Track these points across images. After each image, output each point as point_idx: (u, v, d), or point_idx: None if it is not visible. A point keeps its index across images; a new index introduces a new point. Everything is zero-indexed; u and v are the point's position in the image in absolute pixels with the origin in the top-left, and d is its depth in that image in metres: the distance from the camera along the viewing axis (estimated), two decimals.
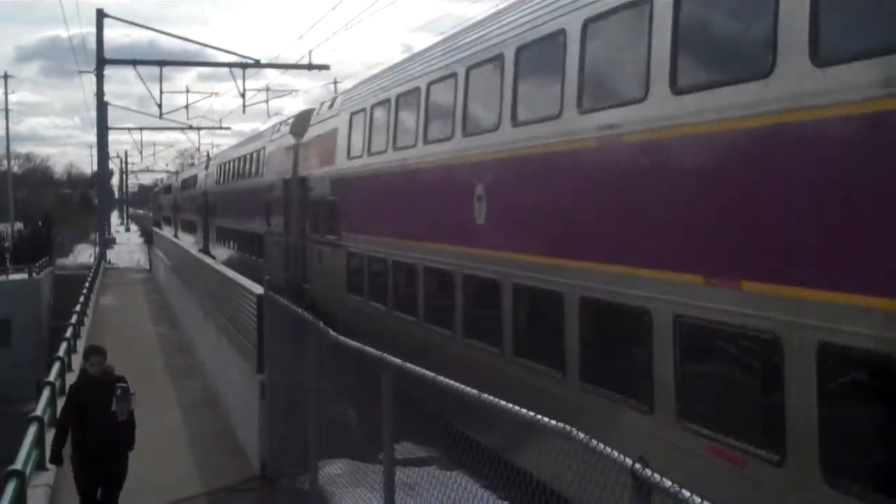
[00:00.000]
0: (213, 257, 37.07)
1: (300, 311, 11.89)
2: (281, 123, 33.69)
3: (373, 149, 19.46)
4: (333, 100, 25.32)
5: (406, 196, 17.48)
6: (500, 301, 13.06)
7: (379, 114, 19.32)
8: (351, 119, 21.51)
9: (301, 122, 28.69)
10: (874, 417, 7.11)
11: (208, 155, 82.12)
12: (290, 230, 28.34)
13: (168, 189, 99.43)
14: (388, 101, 18.57)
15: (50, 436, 12.31)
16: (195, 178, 64.31)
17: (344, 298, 21.50)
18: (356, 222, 20.98)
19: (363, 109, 20.47)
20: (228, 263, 29.93)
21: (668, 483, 4.31)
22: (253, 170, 37.06)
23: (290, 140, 29.12)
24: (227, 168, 46.02)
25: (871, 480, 6.98)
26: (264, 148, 34.81)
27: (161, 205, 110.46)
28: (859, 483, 6.98)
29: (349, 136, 21.52)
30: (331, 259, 22.96)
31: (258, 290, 14.59)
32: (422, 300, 16.35)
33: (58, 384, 16.27)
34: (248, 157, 38.67)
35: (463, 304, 14.54)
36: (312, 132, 26.26)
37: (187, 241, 53.47)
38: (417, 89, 16.77)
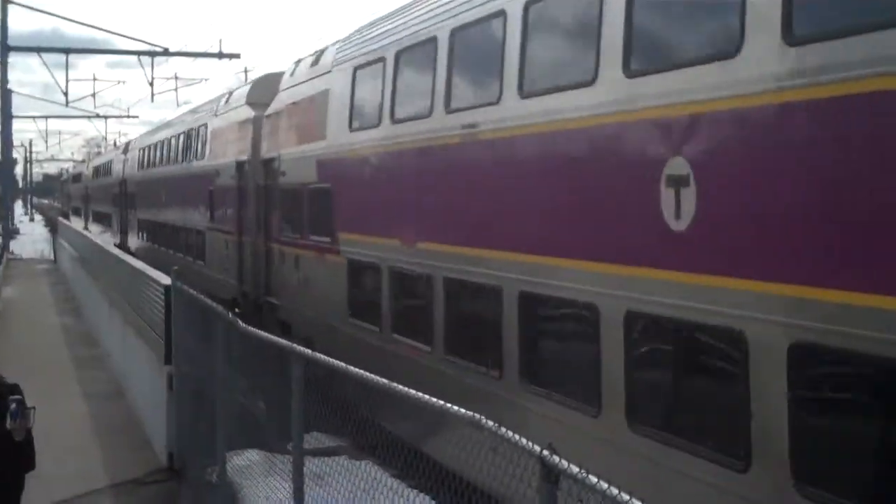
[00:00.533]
0: (133, 254, 31.52)
1: (208, 301, 11.76)
2: (229, 93, 27.83)
3: (401, 113, 13.83)
4: (319, 54, 18.82)
5: (477, 182, 11.77)
6: (746, 367, 7.40)
7: (412, 61, 13.70)
8: (355, 75, 15.69)
9: (263, 88, 23.08)
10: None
11: (114, 143, 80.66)
12: (245, 227, 22.65)
13: (77, 177, 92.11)
14: (431, 41, 12.84)
15: None
16: (110, 164, 58.57)
17: (342, 324, 15.81)
18: (366, 220, 15.13)
19: (380, 59, 14.60)
20: (154, 264, 21.68)
21: (576, 469, 4.35)
22: (188, 152, 31.18)
23: (247, 112, 23.32)
24: (152, 151, 39.67)
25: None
26: (206, 125, 28.66)
27: (70, 194, 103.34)
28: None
29: (352, 98, 15.76)
30: (317, 269, 17.28)
31: (165, 280, 14.39)
32: (515, 346, 10.66)
33: None
34: (183, 137, 32.52)
35: (627, 365, 8.87)
36: (283, 100, 20.18)
37: (101, 235, 47.97)
38: (501, 15, 11.05)
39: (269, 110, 21.19)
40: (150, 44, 48.81)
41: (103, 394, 18.79)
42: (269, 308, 20.40)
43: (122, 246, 41.54)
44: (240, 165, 23.34)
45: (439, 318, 12.44)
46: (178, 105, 54.61)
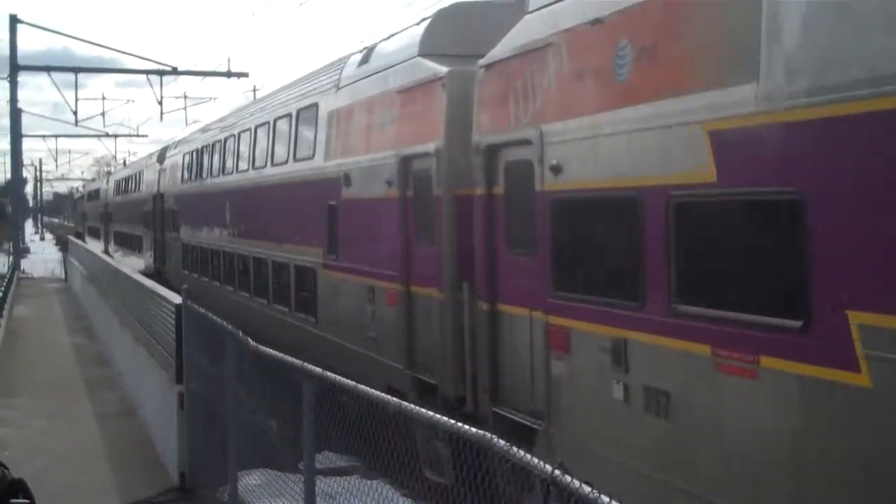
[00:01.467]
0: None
1: (220, 320, 11.74)
2: (365, 50, 16.90)
3: None
4: None
5: None
6: None
7: None
8: None
9: (455, 28, 13.79)
10: None
11: (124, 162, 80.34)
12: (419, 269, 13.36)
13: (94, 194, 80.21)
14: None
15: None
16: (139, 176, 46.94)
17: None
18: None
19: None
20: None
21: (588, 489, 4.35)
22: (279, 151, 21.20)
23: (426, 70, 13.37)
24: (207, 155, 29.39)
25: None
26: (316, 106, 18.47)
27: (85, 213, 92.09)
28: None
29: None
30: (721, 390, 7.24)
31: (176, 299, 14.40)
32: None
33: None
34: (267, 130, 22.24)
35: None
36: (537, 30, 10.29)
37: (127, 263, 38.73)
38: None
39: (494, 56, 11.33)
40: (158, 63, 49.23)
41: (115, 413, 18.81)
42: (509, 430, 9.99)
43: (160, 279, 30.32)
44: (407, 162, 13.83)
45: None
46: (186, 123, 54.29)
